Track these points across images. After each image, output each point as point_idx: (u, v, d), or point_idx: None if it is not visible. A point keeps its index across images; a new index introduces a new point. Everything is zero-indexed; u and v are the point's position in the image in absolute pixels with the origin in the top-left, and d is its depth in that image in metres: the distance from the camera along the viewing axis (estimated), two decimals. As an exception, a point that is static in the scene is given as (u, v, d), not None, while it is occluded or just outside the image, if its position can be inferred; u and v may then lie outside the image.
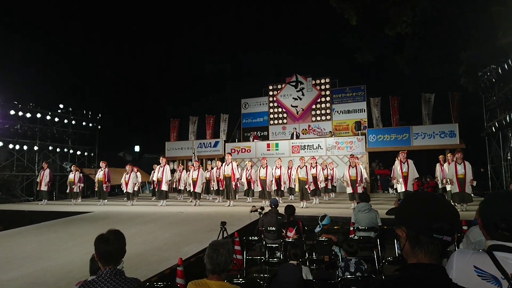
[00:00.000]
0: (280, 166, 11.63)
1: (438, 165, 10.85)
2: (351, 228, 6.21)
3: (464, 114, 15.87)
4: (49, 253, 5.79)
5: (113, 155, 24.90)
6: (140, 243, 6.14)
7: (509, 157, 12.36)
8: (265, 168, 11.56)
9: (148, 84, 33.65)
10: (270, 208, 6.44)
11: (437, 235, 1.13)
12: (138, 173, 12.94)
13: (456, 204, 8.74)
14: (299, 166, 11.18)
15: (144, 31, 35.24)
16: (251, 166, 12.30)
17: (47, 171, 13.16)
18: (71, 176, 13.43)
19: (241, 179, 11.84)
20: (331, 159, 15.98)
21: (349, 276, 3.68)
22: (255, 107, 20.30)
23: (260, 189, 11.51)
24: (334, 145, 16.54)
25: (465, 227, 4.73)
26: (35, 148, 15.78)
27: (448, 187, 9.52)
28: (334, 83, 18.90)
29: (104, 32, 30.61)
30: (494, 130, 12.69)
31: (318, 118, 18.82)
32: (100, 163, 13.13)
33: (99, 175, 12.79)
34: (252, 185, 12.06)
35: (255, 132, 19.58)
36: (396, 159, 9.59)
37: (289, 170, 11.87)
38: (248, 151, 17.96)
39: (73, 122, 17.45)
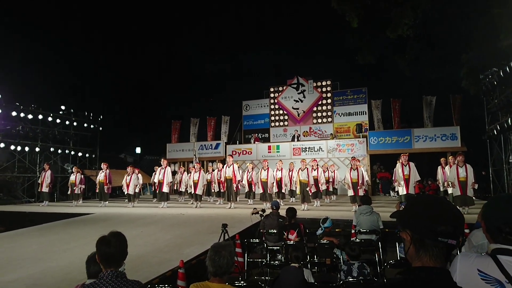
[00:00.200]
0: (281, 168, 11.62)
1: (439, 167, 10.84)
2: (353, 231, 6.19)
3: (465, 117, 15.86)
4: (50, 255, 5.79)
5: (114, 157, 24.92)
6: (141, 245, 6.14)
7: (510, 160, 12.32)
8: (266, 170, 11.55)
9: (149, 85, 33.76)
10: (271, 210, 6.43)
11: (442, 239, 1.13)
12: (139, 175, 12.94)
13: (457, 207, 8.71)
14: (300, 168, 11.16)
15: (144, 31, 35.43)
16: (252, 168, 12.30)
17: (49, 173, 13.18)
18: (72, 177, 13.45)
19: (242, 181, 11.83)
20: (332, 162, 15.96)
21: (351, 279, 3.66)
22: (256, 109, 20.31)
23: (261, 191, 11.50)
24: (335, 147, 16.53)
25: (467, 230, 4.71)
26: (37, 149, 15.80)
27: (450, 190, 9.49)
28: (335, 85, 18.91)
29: (104, 32, 30.78)
30: (495, 133, 12.67)
31: (319, 120, 18.81)
32: (102, 164, 13.14)
33: (100, 176, 12.80)
34: (253, 187, 12.06)
35: (256, 134, 19.59)
36: (398, 161, 9.57)
37: (290, 172, 11.86)
38: (249, 153, 17.97)
39: (75, 123, 17.48)
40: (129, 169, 12.82)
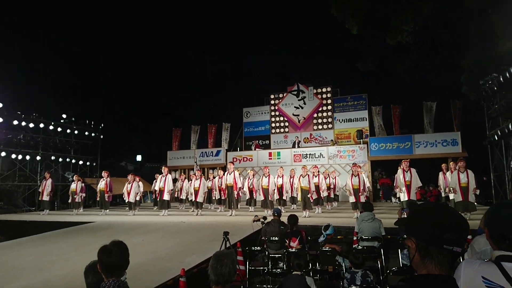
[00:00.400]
0: (282, 175, 11.59)
1: (441, 173, 10.80)
2: (355, 238, 6.16)
3: (466, 123, 15.88)
4: (51, 264, 5.76)
5: (114, 165, 24.93)
6: (142, 253, 6.11)
7: (512, 166, 12.31)
8: (267, 177, 11.51)
9: (150, 92, 33.92)
10: (272, 217, 6.40)
11: (447, 246, 1.12)
12: (140, 183, 12.91)
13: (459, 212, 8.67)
14: (301, 175, 11.14)
15: (145, 36, 35.64)
16: (253, 175, 12.27)
17: (49, 181, 13.16)
18: (73, 186, 13.43)
19: (243, 188, 11.80)
20: (333, 168, 15.95)
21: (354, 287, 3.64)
22: (256, 116, 20.35)
23: (262, 198, 11.45)
24: (336, 153, 16.52)
25: (469, 237, 4.68)
26: (38, 158, 15.82)
27: (451, 196, 9.45)
28: (335, 92, 18.97)
29: (105, 36, 30.98)
30: (496, 139, 12.67)
31: (320, 127, 18.84)
32: (102, 172, 13.13)
33: (101, 184, 12.78)
34: (254, 194, 12.01)
35: (257, 141, 19.60)
36: (399, 167, 9.56)
37: (291, 179, 11.83)
38: (250, 160, 17.97)
39: (76, 131, 17.52)
40: (129, 177, 12.80)
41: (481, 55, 12.05)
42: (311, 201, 10.79)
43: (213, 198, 12.96)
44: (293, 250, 5.35)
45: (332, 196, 12.96)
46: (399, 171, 9.43)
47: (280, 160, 17.30)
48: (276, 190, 11.37)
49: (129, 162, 29.45)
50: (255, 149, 18.47)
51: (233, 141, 20.40)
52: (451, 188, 9.13)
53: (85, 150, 18.53)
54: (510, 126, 11.24)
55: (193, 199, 11.95)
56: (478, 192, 8.97)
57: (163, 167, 12.73)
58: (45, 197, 12.95)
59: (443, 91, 17.01)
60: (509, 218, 1.39)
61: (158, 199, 12.66)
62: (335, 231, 6.35)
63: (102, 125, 19.04)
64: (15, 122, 14.66)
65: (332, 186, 12.84)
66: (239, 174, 12.03)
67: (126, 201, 12.63)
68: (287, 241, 5.81)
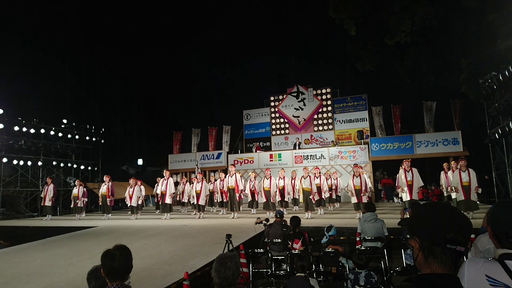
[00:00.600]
0: (284, 177, 11.60)
1: (442, 173, 10.80)
2: (358, 239, 6.16)
3: (466, 121, 15.88)
4: (55, 269, 5.76)
5: (116, 169, 24.94)
6: (146, 257, 6.11)
7: (513, 164, 12.29)
8: (269, 179, 11.52)
9: (150, 97, 33.92)
10: (275, 219, 6.40)
11: (450, 245, 1.14)
12: (142, 187, 12.93)
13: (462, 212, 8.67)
14: (302, 176, 11.14)
15: (145, 40, 35.63)
16: (254, 177, 12.28)
17: (51, 186, 13.18)
18: (75, 190, 13.44)
19: (244, 191, 11.80)
20: (334, 169, 15.94)
21: (358, 288, 3.64)
22: (257, 118, 20.38)
23: (264, 200, 11.45)
24: (337, 154, 16.53)
25: (472, 236, 4.68)
26: (39, 163, 15.86)
27: (454, 195, 9.46)
28: (335, 92, 18.99)
29: (106, 42, 30.99)
30: (497, 137, 12.66)
31: (320, 128, 18.84)
32: (104, 177, 13.15)
33: (103, 189, 12.79)
34: (256, 196, 12.02)
35: (258, 143, 19.62)
36: (400, 167, 9.56)
37: (293, 181, 11.83)
38: (251, 162, 17.98)
39: (77, 136, 17.57)
40: (131, 181, 12.81)
41: (479, 54, 12.07)
42: (313, 202, 10.79)
43: (215, 201, 12.96)
44: (296, 251, 5.36)
45: (334, 197, 12.95)
46: (401, 171, 9.43)
47: (281, 161, 17.31)
48: (277, 192, 11.38)
49: (130, 166, 29.42)
50: (256, 151, 18.49)
51: (234, 143, 20.42)
52: (453, 187, 9.13)
53: (86, 155, 18.57)
54: (510, 124, 11.24)
55: (195, 202, 11.95)
56: (480, 190, 8.97)
57: (164, 171, 12.75)
58: (47, 203, 12.97)
59: (443, 90, 17.03)
60: (512, 217, 1.40)
61: (160, 203, 12.66)
62: (338, 232, 6.34)
63: (103, 129, 19.09)
64: (16, 128, 14.71)
65: (333, 187, 12.83)
66: (241, 177, 12.03)
67: (128, 205, 12.64)
68: (290, 243, 5.81)
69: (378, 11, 12.17)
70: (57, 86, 24.87)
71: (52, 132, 16.28)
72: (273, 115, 19.88)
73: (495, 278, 1.31)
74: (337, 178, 13.57)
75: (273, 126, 19.83)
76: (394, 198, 15.02)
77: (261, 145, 19.58)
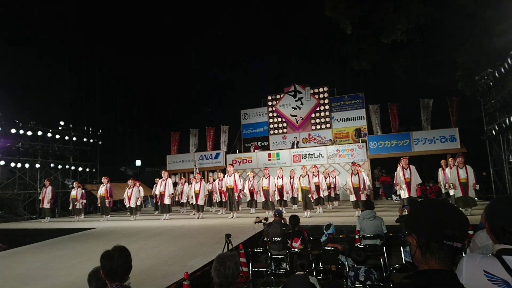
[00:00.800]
0: (282, 176, 11.61)
1: (440, 170, 10.83)
2: (357, 236, 6.19)
3: (463, 118, 15.94)
4: (55, 271, 5.75)
5: (114, 170, 24.87)
6: (145, 258, 6.11)
7: (511, 160, 12.35)
8: (267, 178, 11.53)
9: (148, 98, 33.81)
10: (274, 218, 6.42)
11: (447, 242, 1.15)
12: (141, 188, 12.91)
13: (460, 208, 8.71)
14: (301, 175, 11.16)
15: (143, 41, 35.46)
16: (253, 176, 12.29)
17: (49, 189, 13.13)
18: (73, 192, 13.41)
19: (243, 190, 11.80)
20: (332, 167, 15.98)
21: (358, 285, 3.65)
22: (254, 117, 20.38)
23: (263, 200, 11.47)
24: (335, 153, 16.56)
25: (470, 232, 4.71)
26: (37, 165, 15.80)
27: (452, 192, 9.49)
28: (332, 91, 19.02)
29: (103, 43, 30.83)
30: (494, 133, 12.72)
31: (318, 127, 18.87)
32: (102, 178, 13.12)
33: (101, 190, 12.77)
34: (254, 195, 12.03)
35: (256, 143, 19.63)
36: (398, 165, 9.59)
37: (292, 180, 11.84)
38: (250, 161, 17.99)
39: (74, 138, 17.52)
40: (130, 182, 12.80)
41: (475, 52, 12.12)
42: (312, 201, 10.81)
43: (214, 201, 12.96)
44: (296, 250, 5.37)
45: (332, 195, 12.99)
46: (399, 168, 9.46)
47: (280, 161, 17.33)
48: (276, 191, 11.39)
49: (128, 167, 29.36)
50: (254, 151, 18.49)
51: (232, 143, 20.43)
52: (451, 184, 9.17)
53: (84, 156, 18.52)
54: (507, 121, 11.30)
55: (194, 203, 11.96)
56: (477, 187, 9.03)
57: (163, 171, 12.74)
58: (46, 205, 12.92)
59: (440, 87, 17.09)
60: (509, 212, 1.41)
61: (159, 204, 12.67)
62: (337, 230, 6.36)
63: (100, 131, 19.04)
64: (13, 131, 14.66)
65: (332, 186, 12.86)
66: (239, 176, 12.04)
67: (127, 206, 12.63)
68: (289, 242, 5.82)
69: (374, 10, 12.20)
70: (55, 87, 24.75)
71: (49, 134, 16.23)
72: (270, 114, 19.89)
73: (493, 274, 1.32)
74: (335, 176, 13.60)
75: (271, 126, 19.83)
76: (393, 195, 15.08)
77: (259, 145, 19.59)
